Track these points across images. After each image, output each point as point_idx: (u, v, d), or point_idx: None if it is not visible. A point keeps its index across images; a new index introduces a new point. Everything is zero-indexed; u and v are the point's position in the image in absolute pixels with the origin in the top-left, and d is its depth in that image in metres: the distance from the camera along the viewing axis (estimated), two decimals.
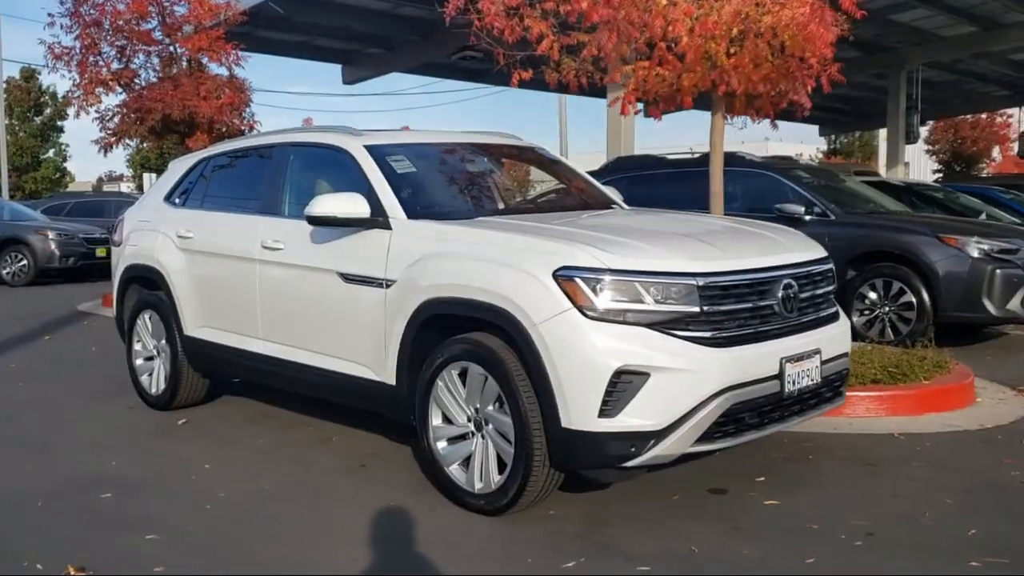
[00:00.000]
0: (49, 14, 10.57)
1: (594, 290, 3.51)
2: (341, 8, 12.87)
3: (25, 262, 15.72)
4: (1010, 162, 34.85)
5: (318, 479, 4.45)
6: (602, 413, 3.46)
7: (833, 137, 38.06)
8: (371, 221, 4.32)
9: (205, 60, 10.94)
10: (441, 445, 4.00)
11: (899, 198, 10.03)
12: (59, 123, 38.70)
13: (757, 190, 8.21)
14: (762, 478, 4.30)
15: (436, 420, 4.01)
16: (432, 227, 4.20)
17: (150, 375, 5.98)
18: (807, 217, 7.68)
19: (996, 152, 32.68)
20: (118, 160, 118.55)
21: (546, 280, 3.56)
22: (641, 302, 3.53)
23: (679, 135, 54.37)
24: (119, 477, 4.53)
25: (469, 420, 3.91)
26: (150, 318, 5.92)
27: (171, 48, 10.93)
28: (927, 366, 5.81)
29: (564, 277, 3.55)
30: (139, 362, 6.06)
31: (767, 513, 3.90)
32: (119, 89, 10.95)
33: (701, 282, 3.60)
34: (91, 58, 10.73)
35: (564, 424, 3.50)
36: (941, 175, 29.50)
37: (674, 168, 8.88)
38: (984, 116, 30.22)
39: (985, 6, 14.82)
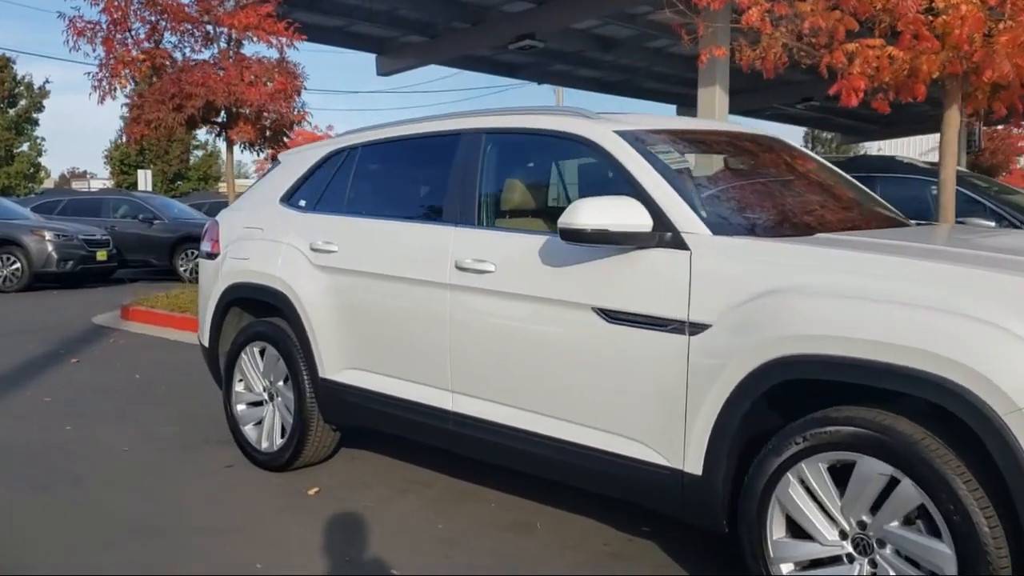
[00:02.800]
0: None
1: None
2: None
3: (18, 265, 14.20)
4: (1018, 176, 34.27)
5: None
6: None
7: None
8: (652, 237, 3.06)
9: (253, 40, 9.57)
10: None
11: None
12: (35, 115, 36.69)
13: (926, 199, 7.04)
14: None
15: (778, 534, 2.76)
16: (770, 248, 2.94)
17: (258, 426, 4.67)
18: None
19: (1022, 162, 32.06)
20: (88, 157, 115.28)
21: None
22: None
23: None
24: None
25: (843, 536, 2.66)
26: (261, 353, 4.61)
27: (207, 27, 9.54)
28: None
29: None
30: (241, 407, 4.74)
31: None
32: (149, 72, 9.54)
33: None
34: (119, 35, 9.32)
35: None
36: None
37: (920, 175, 7.35)
38: (1000, 127, 29.49)
39: None
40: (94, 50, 9.34)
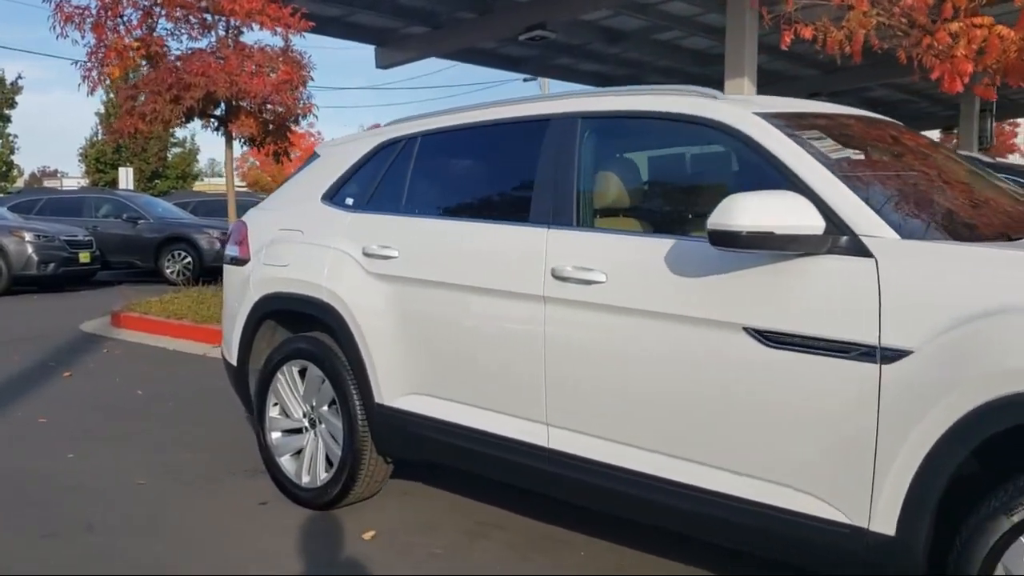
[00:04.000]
0: None
1: None
2: None
3: None
4: None
5: None
6: None
7: None
8: (824, 241, 2.50)
9: (253, 28, 8.91)
10: None
11: None
12: (6, 112, 35.57)
13: None
14: None
15: None
16: (981, 256, 2.39)
17: (297, 456, 4.06)
18: None
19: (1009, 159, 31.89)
20: (59, 156, 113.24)
21: None
22: None
23: None
24: None
25: None
26: (301, 373, 4.01)
27: (205, 15, 8.87)
28: None
29: None
30: (276, 435, 4.13)
31: None
32: (143, 61, 8.86)
33: None
34: (110, 21, 8.63)
35: None
36: None
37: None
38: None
39: None
40: (83, 37, 8.66)
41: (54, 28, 8.65)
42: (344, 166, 4.07)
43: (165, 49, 8.89)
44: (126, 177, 25.25)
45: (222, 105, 8.92)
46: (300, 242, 4.00)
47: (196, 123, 9.47)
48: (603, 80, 17.39)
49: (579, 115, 3.23)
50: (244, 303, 4.18)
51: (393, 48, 13.60)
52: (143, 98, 8.60)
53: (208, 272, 14.96)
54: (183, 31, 8.87)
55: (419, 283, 3.50)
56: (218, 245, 15.39)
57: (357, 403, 3.73)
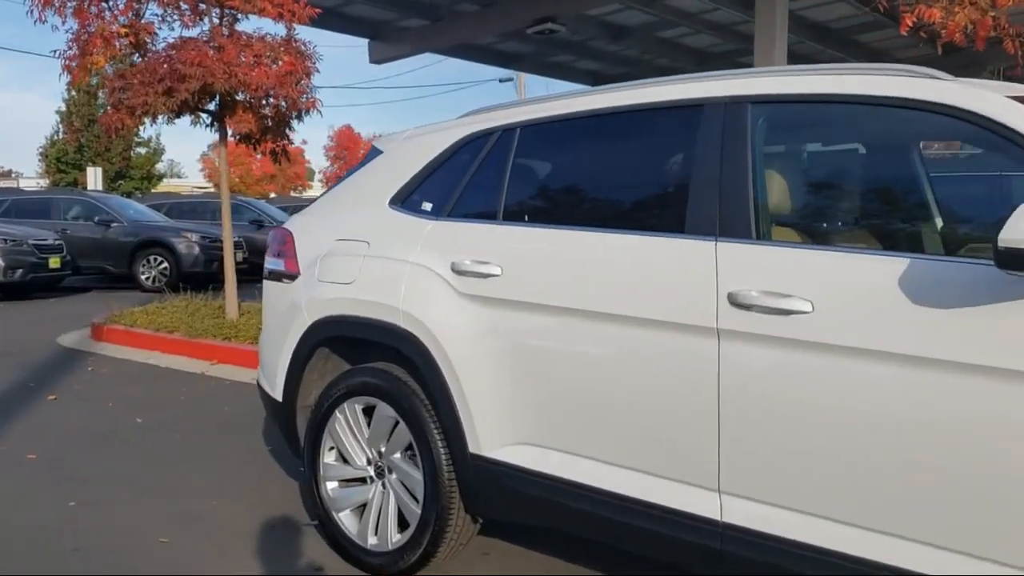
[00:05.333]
0: None
1: None
2: None
3: None
4: None
5: None
6: None
7: None
8: None
9: (249, 16, 8.14)
10: None
11: None
12: None
13: None
14: None
15: None
16: None
17: (359, 512, 3.38)
18: None
19: None
20: (11, 156, 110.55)
21: None
22: None
23: None
24: None
25: None
26: (367, 411, 3.33)
27: (200, 1, 8.09)
28: None
29: None
30: (332, 486, 3.44)
31: None
32: (130, 50, 8.06)
33: None
34: (94, 7, 7.82)
35: None
36: None
37: None
38: None
39: None
40: (63, 23, 7.84)
41: (31, 13, 7.84)
42: (417, 164, 3.39)
43: (155, 37, 8.11)
44: (95, 177, 24.04)
45: (217, 99, 8.16)
46: (366, 255, 3.32)
47: (181, 121, 8.69)
48: (598, 79, 16.82)
49: (748, 99, 2.58)
50: (293, 327, 3.48)
51: (387, 42, 12.87)
52: (132, 89, 7.81)
53: (186, 279, 14.13)
54: (174, 17, 8.10)
55: (532, 308, 2.84)
56: (197, 250, 14.56)
57: (442, 451, 3.07)
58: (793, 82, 2.54)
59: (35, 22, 7.74)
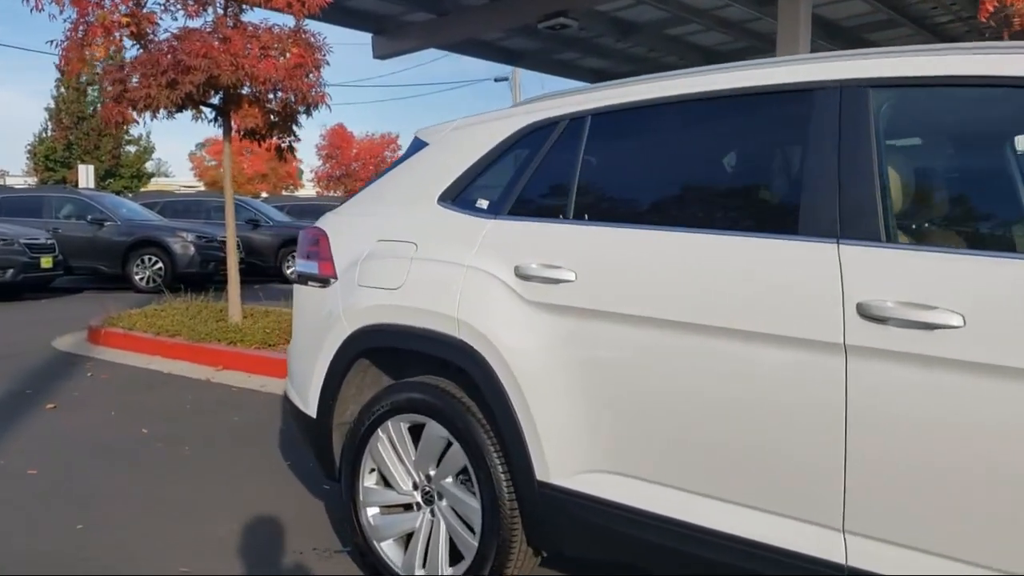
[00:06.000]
0: None
1: None
2: None
3: None
4: None
5: None
6: None
7: None
8: None
9: (253, 7, 7.78)
10: None
11: None
12: None
13: None
14: None
15: None
16: None
17: (405, 542, 3.05)
18: None
19: None
20: (2, 154, 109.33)
21: None
22: None
23: None
24: None
25: None
26: (414, 431, 3.00)
27: None
28: None
29: None
30: (373, 512, 3.12)
31: None
32: (131, 41, 7.69)
33: None
34: None
35: None
36: None
37: None
38: None
39: None
40: (61, 11, 7.46)
41: (27, 1, 7.48)
42: (470, 158, 3.06)
43: (157, 27, 7.75)
44: (87, 175, 23.52)
45: (221, 92, 7.81)
46: (414, 257, 2.99)
47: (170, 118, 8.31)
48: (603, 77, 16.52)
49: (868, 82, 2.27)
50: (330, 336, 3.15)
51: (391, 37, 12.52)
52: (135, 81, 7.45)
53: (181, 279, 13.77)
54: (177, 7, 7.75)
55: (612, 318, 2.51)
56: (192, 250, 14.20)
57: (503, 478, 2.74)
58: (920, 63, 2.21)
59: (31, 10, 7.35)
